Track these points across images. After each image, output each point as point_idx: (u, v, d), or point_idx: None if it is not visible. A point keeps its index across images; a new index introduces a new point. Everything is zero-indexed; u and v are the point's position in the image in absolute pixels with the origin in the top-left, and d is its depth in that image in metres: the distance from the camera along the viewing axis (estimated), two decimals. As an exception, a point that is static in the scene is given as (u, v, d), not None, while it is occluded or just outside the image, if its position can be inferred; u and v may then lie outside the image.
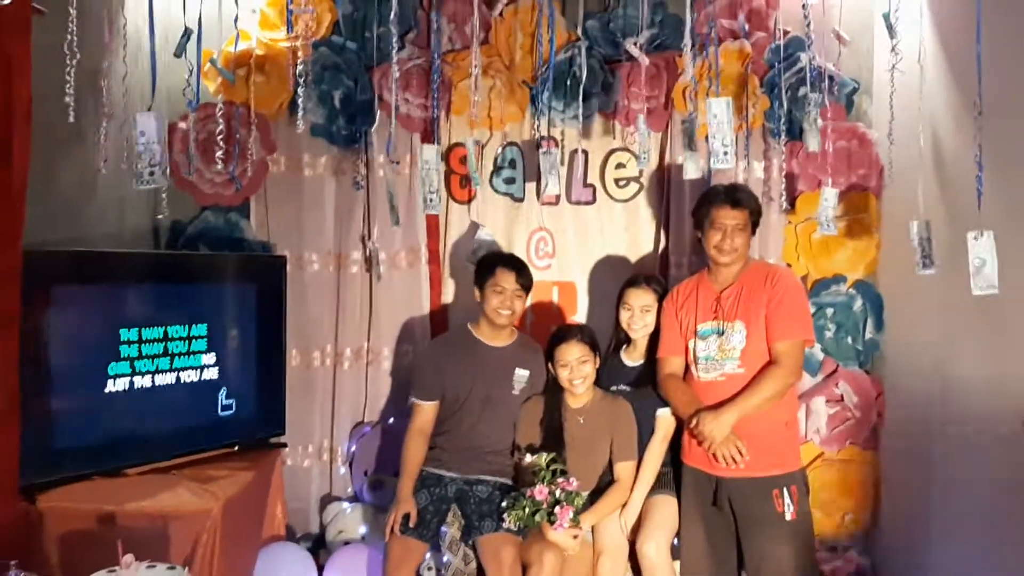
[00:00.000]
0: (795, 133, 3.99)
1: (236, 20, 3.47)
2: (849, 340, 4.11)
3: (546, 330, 3.68)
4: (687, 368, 3.28)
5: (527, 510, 3.10)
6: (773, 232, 4.11)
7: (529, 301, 4.14)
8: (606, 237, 4.24)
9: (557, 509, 3.08)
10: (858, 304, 4.11)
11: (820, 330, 4.07)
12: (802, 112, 3.95)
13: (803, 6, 3.27)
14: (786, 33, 3.99)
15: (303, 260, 4.14)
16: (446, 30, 4.08)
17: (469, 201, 4.20)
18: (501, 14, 4.08)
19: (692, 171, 3.71)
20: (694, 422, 3.08)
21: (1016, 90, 3.05)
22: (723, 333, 3.14)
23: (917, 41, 3.46)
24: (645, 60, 3.85)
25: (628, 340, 3.56)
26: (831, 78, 3.98)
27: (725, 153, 2.83)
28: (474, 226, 4.16)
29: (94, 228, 3.56)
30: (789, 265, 4.10)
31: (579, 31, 3.95)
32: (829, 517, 4.08)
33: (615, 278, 4.15)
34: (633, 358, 3.54)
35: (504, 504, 3.20)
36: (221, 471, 3.24)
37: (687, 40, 3.39)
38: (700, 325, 3.20)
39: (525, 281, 3.51)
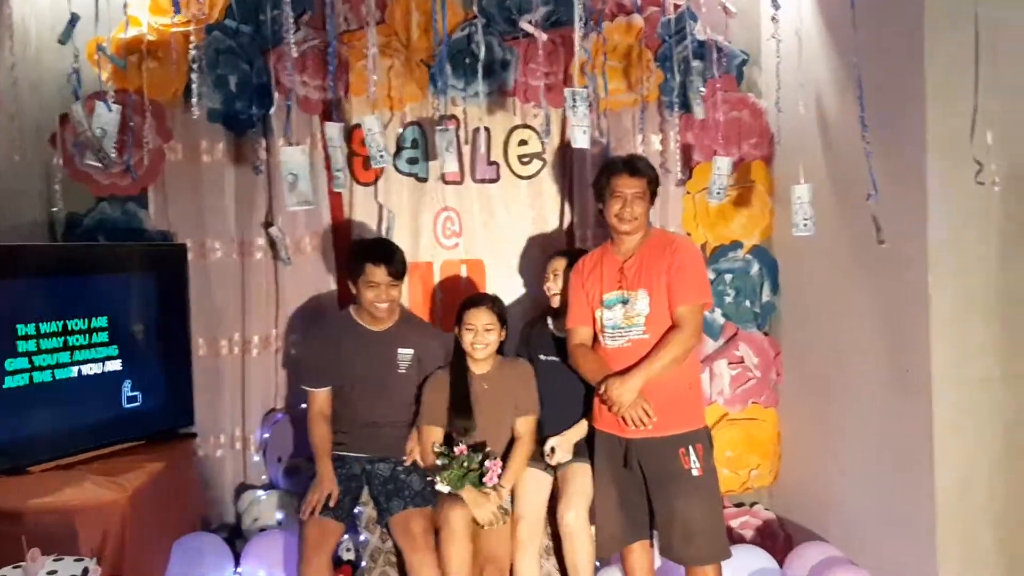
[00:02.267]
0: (690, 105, 4.13)
1: (125, 6, 3.39)
2: (747, 304, 4.26)
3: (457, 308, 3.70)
4: (596, 337, 3.36)
5: (457, 472, 3.20)
6: (672, 202, 4.24)
7: (438, 276, 4.22)
8: (512, 214, 4.29)
9: (488, 463, 3.22)
10: (755, 269, 4.27)
11: (720, 295, 4.22)
12: (696, 84, 4.11)
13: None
14: (677, 7, 4.11)
15: (206, 248, 4.08)
16: (341, 10, 4.06)
17: (373, 183, 4.20)
18: (397, -8, 4.08)
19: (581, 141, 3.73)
20: (603, 388, 3.16)
21: (890, 52, 3.21)
22: (628, 301, 3.23)
23: (797, 11, 3.62)
24: (542, 36, 3.89)
25: (554, 309, 3.63)
26: (720, 50, 4.10)
27: (584, 133, 2.91)
28: (379, 208, 4.16)
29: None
30: (689, 234, 4.23)
31: (475, 9, 3.97)
32: (736, 474, 4.24)
33: (522, 254, 4.25)
34: (559, 328, 3.59)
35: (439, 465, 3.26)
36: (129, 464, 3.19)
37: (578, 16, 3.45)
38: (606, 295, 3.28)
39: (397, 269, 3.50)
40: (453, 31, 4.08)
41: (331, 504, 3.28)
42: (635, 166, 3.27)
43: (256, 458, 4.16)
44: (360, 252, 3.58)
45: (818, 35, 3.72)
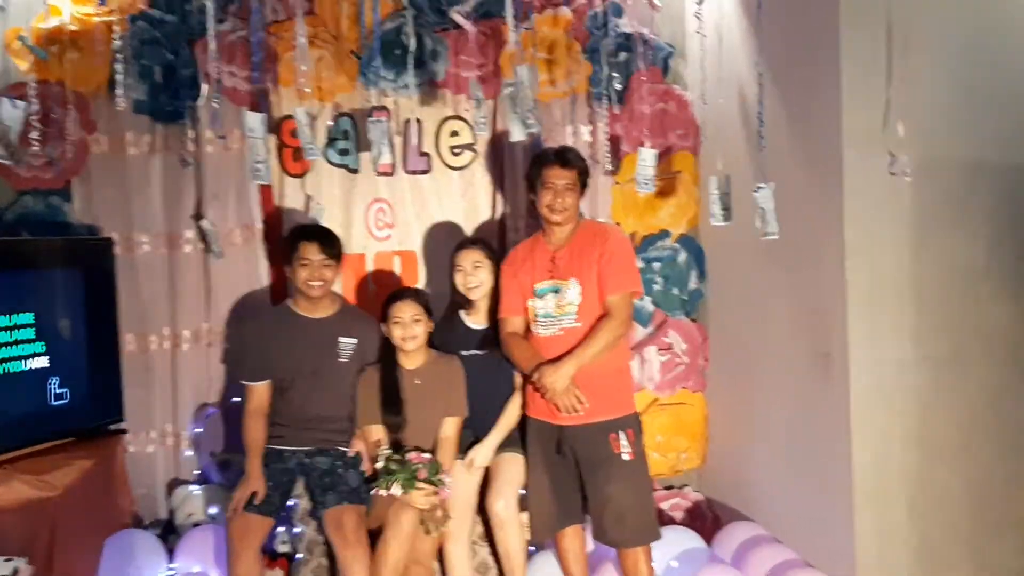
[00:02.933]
0: (618, 97, 4.20)
1: None
2: (676, 291, 4.36)
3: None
4: (528, 326, 3.41)
5: (407, 474, 3.20)
6: (601, 192, 4.31)
7: (371, 268, 4.22)
8: (444, 205, 4.30)
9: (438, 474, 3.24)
10: (682, 257, 4.37)
11: (649, 283, 4.31)
12: (623, 76, 4.19)
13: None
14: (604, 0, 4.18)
15: (132, 242, 4.03)
16: (269, 0, 4.03)
17: (303, 175, 4.18)
18: (324, -17, 4.05)
19: (518, 134, 3.75)
20: (536, 375, 3.22)
21: (806, 47, 3.33)
22: (559, 291, 3.29)
23: (718, 6, 3.71)
24: (472, 28, 3.93)
25: (468, 303, 3.64)
26: (646, 43, 4.18)
27: (529, 117, 2.95)
28: (308, 200, 4.15)
29: None
30: (618, 223, 4.31)
31: (405, 0, 3.99)
32: (665, 458, 4.34)
33: (454, 245, 4.27)
34: (477, 321, 3.61)
35: (380, 473, 3.24)
36: (57, 462, 3.14)
37: (508, 7, 3.49)
38: (538, 285, 3.34)
39: (332, 250, 3.51)
40: (383, 22, 4.07)
41: (256, 502, 3.26)
42: (566, 157, 3.33)
43: (188, 453, 4.12)
44: (295, 232, 3.62)
45: (739, 29, 3.82)
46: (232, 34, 3.96)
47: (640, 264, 4.29)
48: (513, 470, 3.42)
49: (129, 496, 3.66)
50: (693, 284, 4.38)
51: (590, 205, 4.29)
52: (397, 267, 4.27)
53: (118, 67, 3.34)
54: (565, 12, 4.16)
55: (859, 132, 3.11)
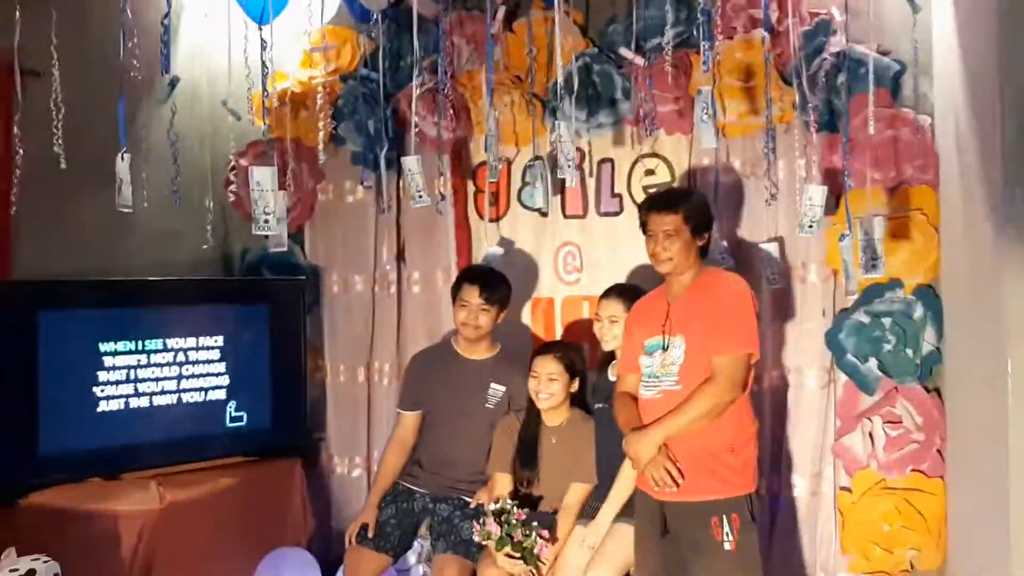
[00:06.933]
0: (834, 125, 3.66)
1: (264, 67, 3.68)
2: (909, 352, 3.63)
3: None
4: None
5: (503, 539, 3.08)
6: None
7: (559, 312, 4.13)
8: (637, 247, 4.04)
9: (539, 543, 3.06)
10: (918, 312, 3.63)
11: (877, 342, 3.65)
12: (839, 101, 3.62)
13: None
14: (814, 16, 3.68)
15: (349, 282, 4.39)
16: (466, 51, 4.15)
17: (498, 219, 4.21)
18: (511, 29, 4.06)
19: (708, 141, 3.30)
20: (624, 442, 2.90)
21: None
22: (667, 348, 2.93)
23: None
24: (640, 62, 3.70)
25: (613, 355, 3.40)
26: (863, 62, 3.55)
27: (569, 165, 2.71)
28: (505, 242, 4.18)
29: (135, 258, 4.00)
30: (835, 271, 3.71)
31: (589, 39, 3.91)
32: (891, 555, 3.64)
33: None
34: (615, 373, 3.37)
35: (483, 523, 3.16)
36: (201, 478, 3.50)
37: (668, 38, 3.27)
38: (647, 340, 3.01)
39: (491, 295, 3.48)
40: (571, 63, 3.97)
41: (369, 535, 3.35)
42: (665, 200, 2.98)
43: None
44: (461, 274, 3.70)
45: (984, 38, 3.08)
46: (423, 87, 4.12)
47: (865, 319, 3.67)
48: (617, 543, 3.09)
49: (303, 517, 3.92)
50: (929, 346, 3.61)
51: (803, 249, 3.77)
52: (586, 312, 4.10)
53: (334, 123, 3.64)
54: (759, 35, 3.70)
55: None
